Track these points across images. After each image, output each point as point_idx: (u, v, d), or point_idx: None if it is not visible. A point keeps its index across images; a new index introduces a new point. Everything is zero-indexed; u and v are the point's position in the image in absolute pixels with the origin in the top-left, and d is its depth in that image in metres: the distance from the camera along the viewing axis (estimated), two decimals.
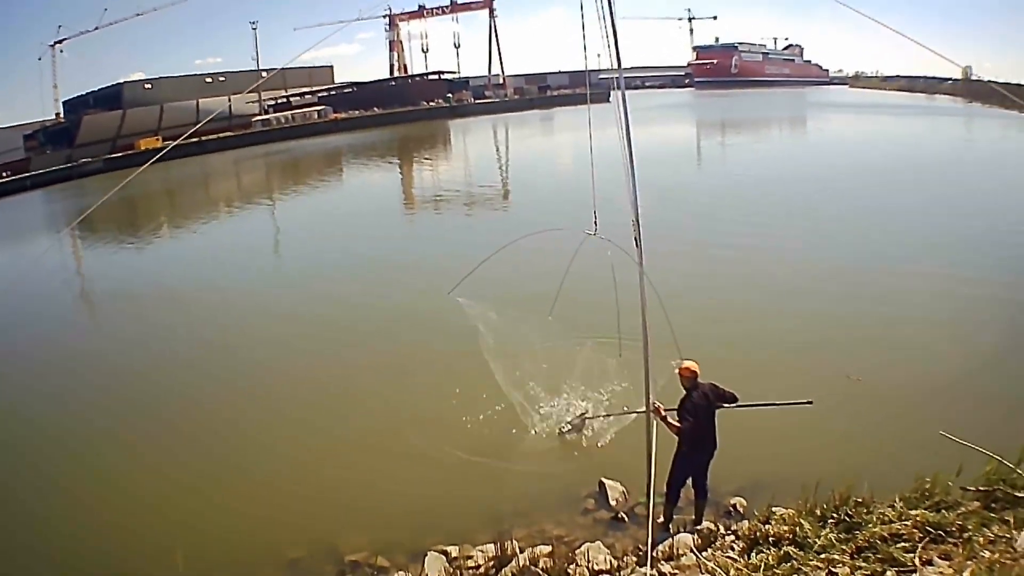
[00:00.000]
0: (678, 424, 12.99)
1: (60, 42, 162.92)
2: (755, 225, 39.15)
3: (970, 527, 10.45)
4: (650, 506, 12.62)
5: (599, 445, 17.28)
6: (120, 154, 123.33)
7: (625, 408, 17.82)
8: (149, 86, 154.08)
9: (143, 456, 19.03)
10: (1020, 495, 10.97)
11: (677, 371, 13.45)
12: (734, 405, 13.68)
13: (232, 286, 36.11)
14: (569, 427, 17.92)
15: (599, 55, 13.50)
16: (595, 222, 14.99)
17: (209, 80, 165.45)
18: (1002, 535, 10.19)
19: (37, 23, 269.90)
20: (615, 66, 13.18)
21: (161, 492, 17.06)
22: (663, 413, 13.20)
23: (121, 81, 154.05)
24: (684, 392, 13.32)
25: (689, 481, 13.74)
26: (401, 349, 23.88)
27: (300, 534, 15.20)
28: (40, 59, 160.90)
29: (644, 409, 14.32)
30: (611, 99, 13.21)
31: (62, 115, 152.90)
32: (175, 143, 17.62)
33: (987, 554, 9.70)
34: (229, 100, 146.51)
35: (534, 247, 17.83)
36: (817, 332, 23.55)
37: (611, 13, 12.73)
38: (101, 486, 17.74)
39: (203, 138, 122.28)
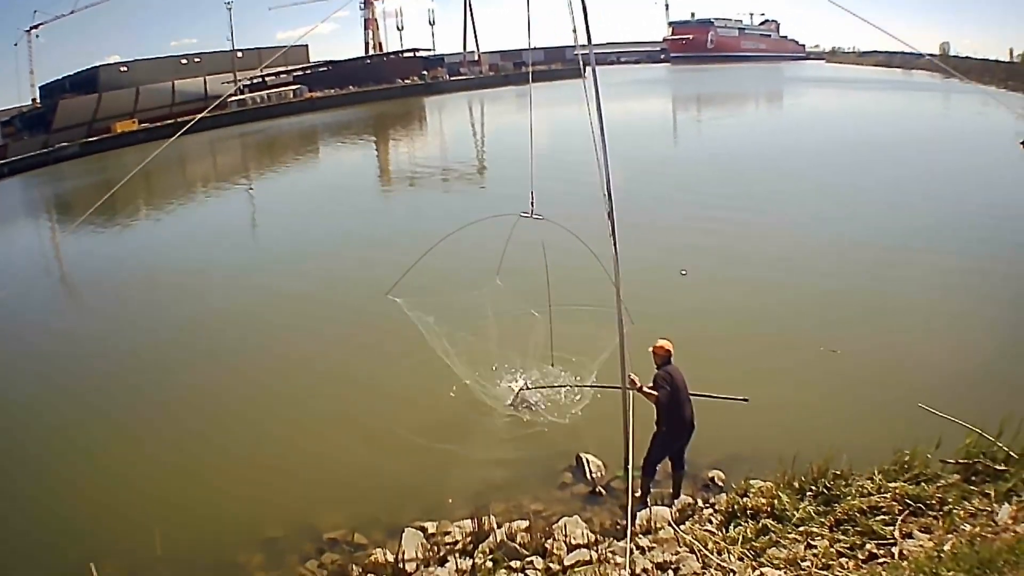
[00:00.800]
0: (655, 393, 12.92)
1: (36, 27, 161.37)
2: (730, 199, 39.09)
3: (950, 500, 10.48)
4: (629, 481, 12.58)
5: (566, 420, 17.18)
6: (96, 138, 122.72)
7: (573, 380, 18.11)
8: (125, 69, 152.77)
9: (124, 433, 19.05)
10: (1001, 468, 10.97)
11: (651, 349, 13.40)
12: None
13: (211, 267, 35.89)
14: (513, 400, 18.00)
15: (574, 31, 13.39)
16: (532, 203, 15.19)
17: (184, 61, 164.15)
18: (983, 508, 10.22)
19: (12, 8, 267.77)
20: (585, 41, 13.12)
21: (140, 470, 17.07)
22: (639, 384, 13.14)
23: (97, 65, 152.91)
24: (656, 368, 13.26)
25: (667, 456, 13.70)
26: (377, 326, 23.49)
27: (278, 512, 15.16)
28: (16, 45, 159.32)
29: (620, 385, 14.23)
30: (585, 74, 13.12)
31: (39, 100, 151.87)
32: (203, 114, 17.71)
33: (968, 527, 9.71)
34: (204, 81, 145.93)
35: (489, 228, 17.67)
36: (794, 305, 23.61)
37: None
38: (79, 462, 17.78)
39: (178, 120, 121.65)
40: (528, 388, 18.13)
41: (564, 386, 18.12)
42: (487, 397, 18.22)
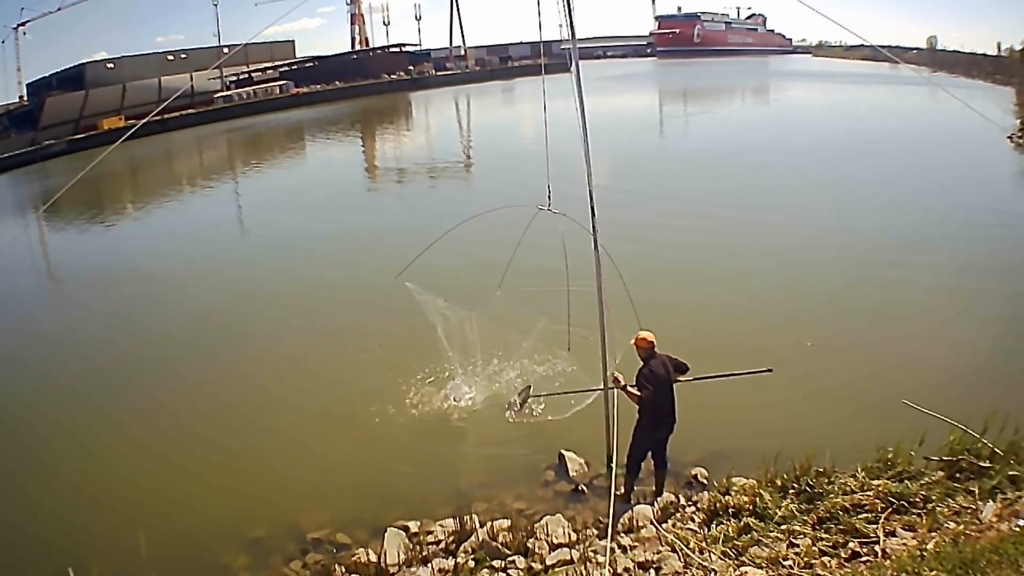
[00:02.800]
0: (639, 393, 12.79)
1: (23, 24, 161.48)
2: (715, 194, 39.15)
3: (934, 498, 10.42)
4: (611, 479, 12.48)
5: (549, 419, 17.10)
6: (83, 135, 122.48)
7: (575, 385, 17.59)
8: (111, 66, 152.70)
9: (110, 427, 19.11)
10: (985, 465, 10.91)
11: (633, 342, 13.27)
12: (693, 378, 13.57)
13: (199, 263, 35.84)
14: (516, 402, 17.71)
15: (560, 25, 13.31)
16: (548, 196, 14.88)
17: (171, 58, 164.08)
18: (967, 506, 10.17)
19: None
20: (570, 36, 13.04)
21: (124, 464, 17.04)
22: (623, 382, 12.99)
23: (84, 62, 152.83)
24: (641, 363, 13.12)
25: (649, 453, 13.59)
26: (362, 324, 23.71)
27: (264, 510, 15.05)
28: (3, 42, 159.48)
29: (602, 387, 14.16)
30: (571, 68, 13.01)
31: (26, 98, 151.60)
32: (150, 117, 17.47)
33: (951, 525, 9.63)
34: (191, 77, 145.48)
35: (492, 222, 17.63)
36: (775, 301, 23.57)
37: None
38: (65, 457, 17.80)
39: (165, 116, 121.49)
40: (515, 401, 17.86)
41: (545, 394, 17.78)
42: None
